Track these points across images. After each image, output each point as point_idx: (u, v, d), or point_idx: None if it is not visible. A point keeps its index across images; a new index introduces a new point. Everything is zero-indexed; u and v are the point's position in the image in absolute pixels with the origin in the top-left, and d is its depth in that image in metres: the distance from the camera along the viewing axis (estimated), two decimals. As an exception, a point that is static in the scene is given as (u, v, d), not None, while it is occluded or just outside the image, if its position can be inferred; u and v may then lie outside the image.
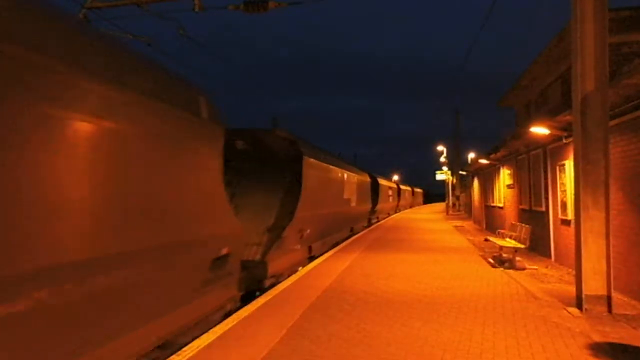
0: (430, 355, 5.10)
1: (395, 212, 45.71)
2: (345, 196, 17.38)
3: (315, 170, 12.04)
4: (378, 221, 31.78)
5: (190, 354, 5.19)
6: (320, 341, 5.62)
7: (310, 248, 12.78)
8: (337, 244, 16.60)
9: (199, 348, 5.40)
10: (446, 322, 6.42)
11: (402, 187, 53.98)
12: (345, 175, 17.33)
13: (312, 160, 11.66)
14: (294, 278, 9.88)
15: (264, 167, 10.36)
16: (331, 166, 14.62)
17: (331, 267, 11.41)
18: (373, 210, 28.13)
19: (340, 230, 17.36)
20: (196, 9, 9.28)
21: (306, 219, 11.25)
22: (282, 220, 9.93)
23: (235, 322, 6.46)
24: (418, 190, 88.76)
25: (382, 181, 32.14)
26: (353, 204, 19.05)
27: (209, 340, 5.67)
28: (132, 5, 9.47)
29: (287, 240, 10.15)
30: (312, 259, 12.80)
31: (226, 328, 6.19)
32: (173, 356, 5.14)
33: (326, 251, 14.47)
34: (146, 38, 10.02)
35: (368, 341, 5.61)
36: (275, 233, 9.62)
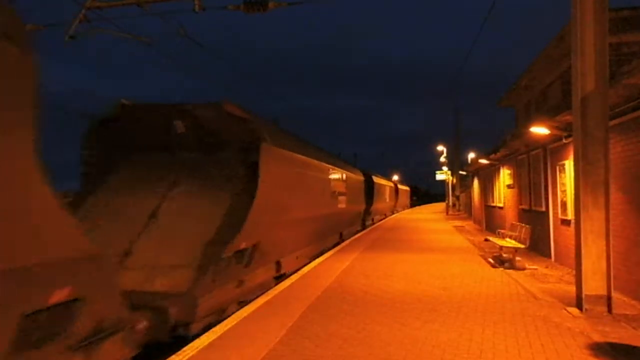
0: (430, 355, 5.10)
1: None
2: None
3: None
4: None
5: (191, 354, 5.20)
6: (320, 341, 5.63)
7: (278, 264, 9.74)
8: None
9: (199, 348, 5.40)
10: (446, 322, 6.43)
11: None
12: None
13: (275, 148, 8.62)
14: (294, 278, 9.89)
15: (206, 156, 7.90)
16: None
17: (331, 267, 11.42)
18: None
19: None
20: (196, 9, 9.27)
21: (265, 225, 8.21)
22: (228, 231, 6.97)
23: (235, 322, 6.47)
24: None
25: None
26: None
27: (209, 340, 5.68)
28: (133, 5, 9.47)
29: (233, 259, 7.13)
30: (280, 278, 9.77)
31: (226, 328, 6.20)
32: (173, 356, 5.15)
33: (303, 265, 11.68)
34: (146, 38, 10.02)
35: (368, 341, 5.61)
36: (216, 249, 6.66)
